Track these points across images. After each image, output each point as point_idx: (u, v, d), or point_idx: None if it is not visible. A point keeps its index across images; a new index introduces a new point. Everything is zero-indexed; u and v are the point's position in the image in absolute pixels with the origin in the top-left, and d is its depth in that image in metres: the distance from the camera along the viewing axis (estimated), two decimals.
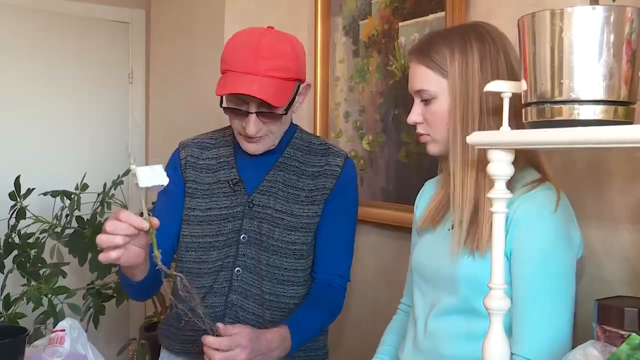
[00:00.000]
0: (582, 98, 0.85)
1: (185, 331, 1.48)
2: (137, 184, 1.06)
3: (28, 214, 2.34)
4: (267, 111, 1.40)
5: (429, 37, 1.24)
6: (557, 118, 0.87)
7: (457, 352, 1.15)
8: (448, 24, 1.71)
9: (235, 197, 1.50)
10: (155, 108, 3.15)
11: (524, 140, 0.90)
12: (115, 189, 2.46)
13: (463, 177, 1.16)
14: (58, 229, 2.37)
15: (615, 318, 0.99)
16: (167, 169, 1.16)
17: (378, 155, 2.05)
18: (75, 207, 2.34)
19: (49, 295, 2.12)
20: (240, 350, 1.27)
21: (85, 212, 2.40)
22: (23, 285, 2.24)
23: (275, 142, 1.49)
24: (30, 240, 2.30)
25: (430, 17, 1.82)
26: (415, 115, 1.24)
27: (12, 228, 2.33)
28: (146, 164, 3.20)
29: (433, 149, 1.24)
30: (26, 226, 2.34)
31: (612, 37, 0.83)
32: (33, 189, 2.34)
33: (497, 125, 1.09)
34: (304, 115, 2.32)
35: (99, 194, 2.43)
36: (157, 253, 1.11)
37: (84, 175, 2.42)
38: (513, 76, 1.13)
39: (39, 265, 2.26)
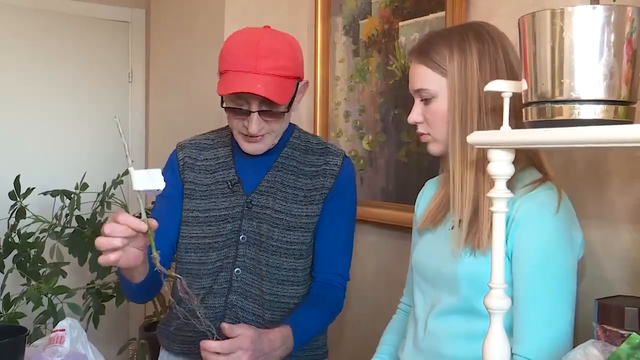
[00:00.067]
0: (583, 98, 0.85)
1: (185, 332, 1.47)
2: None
3: (28, 214, 2.34)
4: (268, 109, 1.40)
5: (429, 36, 1.24)
6: (557, 118, 0.87)
7: (457, 352, 1.15)
8: (448, 24, 1.71)
9: (234, 197, 1.50)
10: (155, 108, 3.15)
11: (524, 140, 0.90)
12: (115, 189, 2.46)
13: (462, 176, 1.16)
14: (58, 229, 2.37)
15: (616, 317, 0.98)
16: (164, 171, 1.15)
17: (378, 155, 2.05)
18: (75, 206, 2.34)
19: (49, 295, 2.12)
20: (242, 352, 1.27)
21: (85, 211, 2.40)
22: (23, 284, 2.24)
23: (275, 142, 1.49)
24: (30, 240, 2.30)
25: (430, 16, 1.82)
26: (415, 114, 1.24)
27: (12, 228, 2.33)
28: (146, 164, 3.23)
29: (434, 148, 1.24)
30: (26, 226, 2.34)
31: (612, 37, 0.83)
32: (33, 188, 2.33)
33: (496, 125, 1.10)
34: (303, 114, 2.32)
35: (98, 194, 2.43)
36: (155, 254, 1.11)
37: (84, 175, 2.42)
38: (512, 75, 1.13)
39: (39, 264, 2.26)
